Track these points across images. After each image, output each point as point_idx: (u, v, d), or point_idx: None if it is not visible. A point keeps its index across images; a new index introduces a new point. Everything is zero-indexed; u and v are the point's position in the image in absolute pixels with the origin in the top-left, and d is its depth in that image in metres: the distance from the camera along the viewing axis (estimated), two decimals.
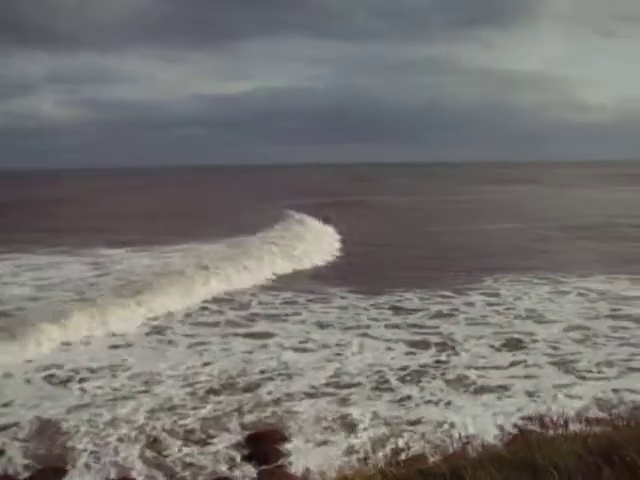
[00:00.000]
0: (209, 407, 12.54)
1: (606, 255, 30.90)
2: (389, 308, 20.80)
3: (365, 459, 9.33)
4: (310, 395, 13.14)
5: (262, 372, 14.65)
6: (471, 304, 21.09)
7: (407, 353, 15.96)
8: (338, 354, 15.90)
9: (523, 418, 11.08)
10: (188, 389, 13.56)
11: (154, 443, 10.86)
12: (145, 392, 13.42)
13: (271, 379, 14.17)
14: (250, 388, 13.58)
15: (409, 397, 12.87)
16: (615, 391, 12.79)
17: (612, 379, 13.60)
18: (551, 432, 6.73)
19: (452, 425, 11.32)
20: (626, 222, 43.97)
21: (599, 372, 14.08)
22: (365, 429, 11.32)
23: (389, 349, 16.32)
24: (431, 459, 7.57)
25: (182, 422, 11.79)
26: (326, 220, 44.57)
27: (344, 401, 12.73)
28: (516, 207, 61.25)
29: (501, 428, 10.62)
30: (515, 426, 10.12)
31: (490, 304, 20.97)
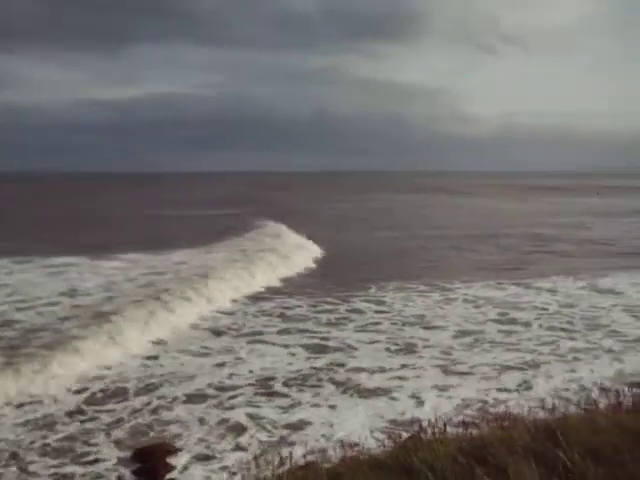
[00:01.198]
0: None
1: (489, 262, 32.30)
2: (278, 315, 20.77)
3: (250, 468, 9.17)
4: (197, 400, 12.95)
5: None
6: (359, 311, 21.35)
7: (299, 358, 15.98)
8: (226, 361, 15.73)
9: (404, 422, 11.29)
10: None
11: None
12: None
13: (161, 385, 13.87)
14: (139, 394, 13.22)
15: (299, 402, 12.87)
16: (501, 390, 13.31)
17: (492, 379, 14.13)
18: (430, 435, 6.88)
19: (334, 430, 11.39)
20: (509, 232, 46.19)
21: (483, 374, 14.56)
22: (252, 436, 11.19)
23: (281, 354, 16.31)
24: (313, 465, 7.52)
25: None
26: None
27: (229, 407, 12.59)
28: (398, 215, 63.34)
29: (382, 432, 10.74)
30: (395, 430, 10.26)
31: (378, 311, 21.30)
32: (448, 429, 7.10)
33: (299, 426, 11.68)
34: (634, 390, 7.35)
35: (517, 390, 13.44)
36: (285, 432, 11.42)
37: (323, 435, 11.19)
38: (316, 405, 12.80)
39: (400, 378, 14.35)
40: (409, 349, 16.82)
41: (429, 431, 7.01)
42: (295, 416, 12.13)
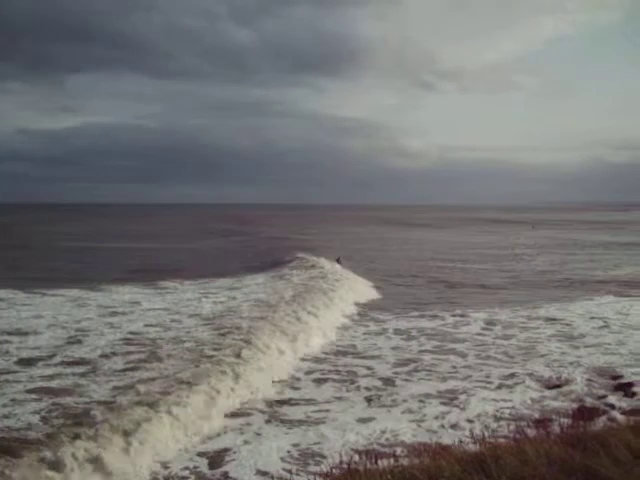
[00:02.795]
0: None
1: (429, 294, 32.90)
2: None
3: None
4: None
5: None
6: None
7: None
8: None
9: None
10: None
11: None
12: None
13: None
14: None
15: None
16: (431, 420, 13.36)
17: (422, 410, 14.23)
18: (361, 468, 6.85)
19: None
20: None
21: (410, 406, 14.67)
22: None
23: None
24: None
25: None
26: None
27: None
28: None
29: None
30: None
31: None
32: (379, 462, 7.09)
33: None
34: (562, 419, 7.51)
35: (448, 421, 13.55)
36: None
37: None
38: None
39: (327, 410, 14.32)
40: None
41: (360, 465, 6.98)
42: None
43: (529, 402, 14.85)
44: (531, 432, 7.28)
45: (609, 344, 21.04)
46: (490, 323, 24.80)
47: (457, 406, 14.60)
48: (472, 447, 7.21)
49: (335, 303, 28.51)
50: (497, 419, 13.26)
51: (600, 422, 7.68)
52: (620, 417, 8.69)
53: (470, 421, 13.29)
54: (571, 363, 18.53)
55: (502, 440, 7.10)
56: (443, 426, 13.18)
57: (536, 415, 12.28)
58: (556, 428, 7.20)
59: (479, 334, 22.88)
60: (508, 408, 14.32)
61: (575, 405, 14.05)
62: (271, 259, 49.72)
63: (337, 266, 43.75)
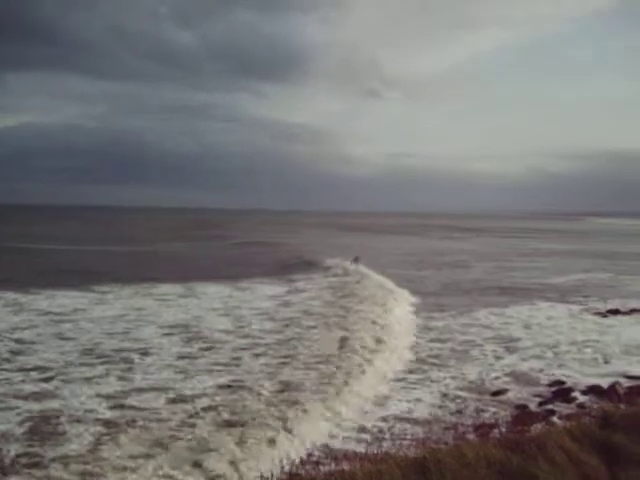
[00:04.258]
0: None
1: None
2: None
3: None
4: None
5: None
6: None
7: None
8: None
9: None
10: None
11: None
12: None
13: None
14: None
15: None
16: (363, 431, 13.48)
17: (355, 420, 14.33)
18: (303, 472, 6.89)
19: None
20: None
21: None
22: None
23: None
24: None
25: None
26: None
27: None
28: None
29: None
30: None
31: None
32: (321, 467, 7.12)
33: None
34: (501, 424, 7.70)
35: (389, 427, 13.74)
36: None
37: None
38: None
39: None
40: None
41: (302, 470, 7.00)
42: None
43: (470, 407, 15.21)
44: (472, 436, 7.44)
45: (544, 349, 21.82)
46: (426, 328, 25.57)
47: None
48: (414, 451, 7.33)
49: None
50: (437, 423, 13.52)
51: (539, 426, 7.89)
52: (558, 421, 8.96)
53: (412, 426, 13.49)
54: (508, 369, 19.07)
55: (443, 444, 7.26)
56: (382, 431, 13.39)
57: (477, 420, 12.52)
58: (496, 433, 7.37)
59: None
60: (449, 413, 14.66)
61: (515, 411, 14.38)
62: (286, 263, 51.83)
63: (358, 266, 46.26)
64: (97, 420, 13.61)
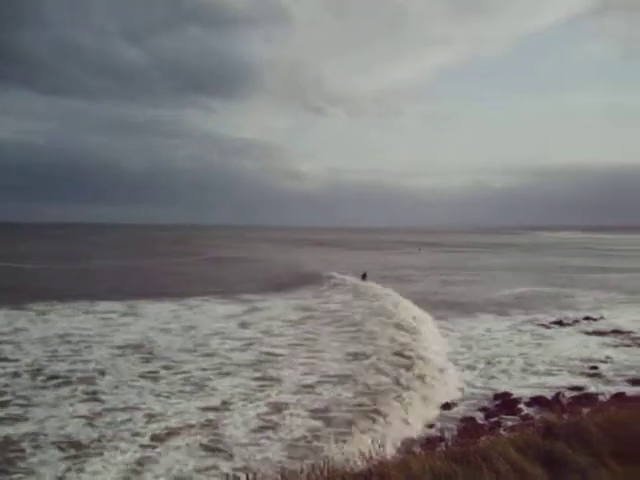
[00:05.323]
0: None
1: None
2: None
3: None
4: None
5: None
6: None
7: None
8: None
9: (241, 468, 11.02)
10: None
11: None
12: None
13: None
14: None
15: None
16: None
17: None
18: None
19: None
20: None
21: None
22: None
23: None
24: None
25: None
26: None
27: None
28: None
29: None
30: None
31: None
32: None
33: None
34: (448, 436, 7.79)
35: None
36: None
37: None
38: None
39: None
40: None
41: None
42: None
43: (416, 420, 15.35)
44: (418, 449, 7.51)
45: (479, 360, 22.36)
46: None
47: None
48: (360, 465, 7.33)
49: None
50: (385, 436, 13.58)
51: (484, 438, 8.02)
52: (504, 432, 9.13)
53: (360, 439, 13.52)
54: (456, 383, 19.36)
55: (390, 457, 7.31)
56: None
57: (424, 433, 12.65)
58: (443, 445, 7.45)
59: None
60: (397, 426, 14.74)
61: (462, 423, 14.56)
62: (291, 278, 52.51)
63: (368, 283, 47.97)
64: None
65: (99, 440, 13.61)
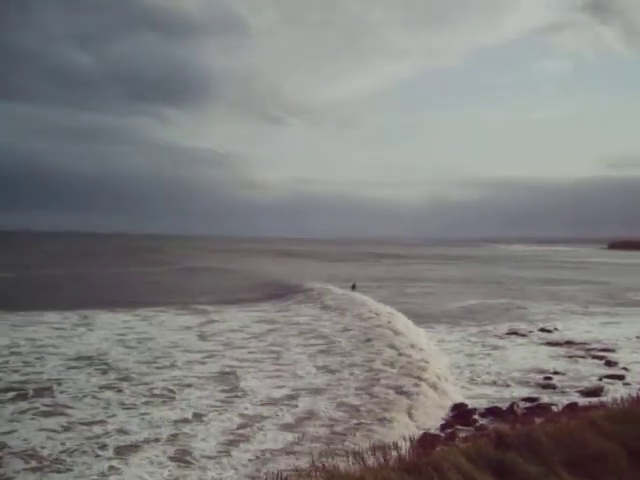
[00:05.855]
0: None
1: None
2: None
3: None
4: None
5: None
6: None
7: None
8: None
9: None
10: None
11: None
12: None
13: None
14: None
15: None
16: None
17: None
18: None
19: None
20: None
21: None
22: None
23: None
24: None
25: None
26: None
27: None
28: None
29: None
30: None
31: None
32: None
33: None
34: (401, 446, 7.82)
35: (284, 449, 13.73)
36: None
37: None
38: None
39: None
40: None
41: None
42: None
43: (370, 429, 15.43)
44: (371, 460, 7.52)
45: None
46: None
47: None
48: (313, 477, 7.31)
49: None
50: (338, 446, 13.62)
51: (438, 449, 8.10)
52: (457, 443, 9.22)
53: (310, 450, 13.51)
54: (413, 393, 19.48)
55: (342, 469, 7.31)
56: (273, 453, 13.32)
57: (378, 445, 12.63)
58: (396, 456, 7.49)
59: None
60: (348, 435, 14.81)
61: (418, 434, 14.62)
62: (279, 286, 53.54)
63: (355, 293, 48.31)
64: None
65: (68, 454, 13.37)
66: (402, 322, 32.03)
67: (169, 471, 12.71)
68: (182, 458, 13.42)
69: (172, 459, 13.33)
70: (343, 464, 7.13)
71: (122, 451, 13.68)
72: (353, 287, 53.04)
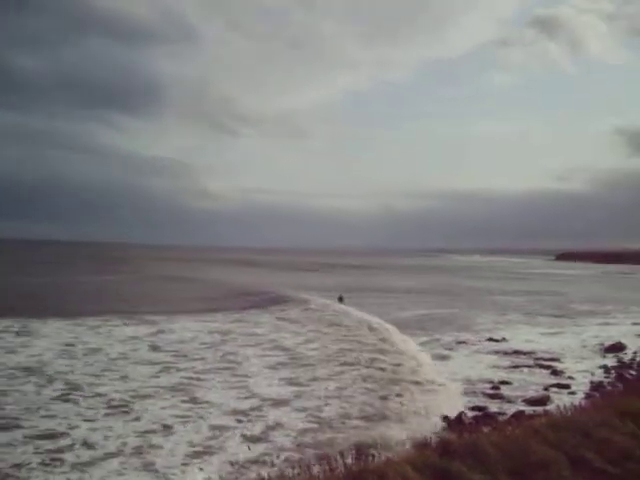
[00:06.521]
0: None
1: None
2: None
3: None
4: None
5: None
6: None
7: None
8: None
9: None
10: None
11: None
12: None
13: None
14: None
15: None
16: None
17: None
18: None
19: None
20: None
21: None
22: None
23: None
24: None
25: None
26: None
27: None
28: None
29: None
30: None
31: None
32: None
33: None
34: (346, 455, 7.85)
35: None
36: None
37: None
38: None
39: None
40: None
41: None
42: None
43: (314, 440, 15.46)
44: (316, 470, 7.52)
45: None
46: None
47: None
48: None
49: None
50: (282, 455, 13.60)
51: (383, 457, 8.13)
52: (401, 452, 9.29)
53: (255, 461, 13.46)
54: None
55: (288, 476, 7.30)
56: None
57: (322, 454, 12.66)
58: (341, 465, 7.49)
59: None
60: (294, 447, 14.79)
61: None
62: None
63: (342, 306, 49.15)
64: None
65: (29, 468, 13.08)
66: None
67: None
68: (151, 468, 13.29)
69: (138, 469, 13.18)
70: (289, 474, 7.13)
71: (90, 463, 13.54)
72: (340, 299, 52.82)
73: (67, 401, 18.57)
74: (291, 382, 22.16)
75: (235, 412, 17.99)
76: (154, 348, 28.54)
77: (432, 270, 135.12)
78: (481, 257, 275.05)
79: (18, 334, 31.03)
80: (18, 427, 15.93)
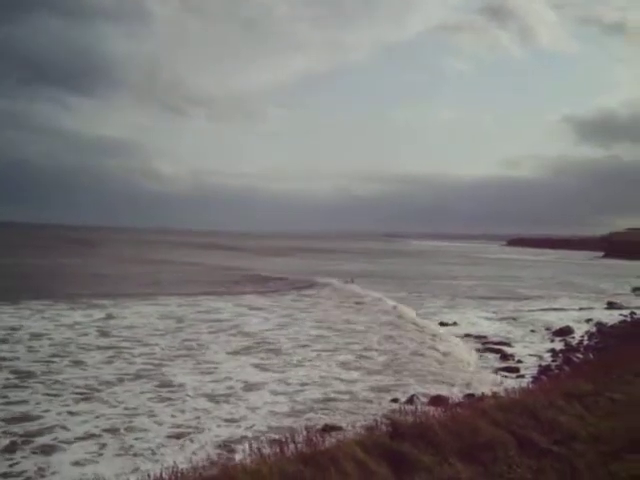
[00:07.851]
0: None
1: None
2: None
3: None
4: None
5: None
6: None
7: None
8: None
9: None
10: None
11: None
12: None
13: None
14: None
15: None
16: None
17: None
18: None
19: None
20: None
21: None
22: None
23: None
24: None
25: None
26: None
27: None
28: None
29: None
30: None
31: None
32: None
33: None
34: (297, 438, 7.89)
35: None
36: None
37: None
38: None
39: None
40: None
41: None
42: None
43: (267, 423, 15.58)
44: (268, 452, 7.54)
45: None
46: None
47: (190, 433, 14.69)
48: (209, 472, 7.27)
49: None
50: (235, 441, 13.65)
51: (333, 440, 8.20)
52: (349, 434, 9.37)
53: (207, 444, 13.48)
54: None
55: (238, 462, 7.29)
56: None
57: (274, 436, 12.73)
58: (292, 447, 7.54)
59: None
60: (246, 428, 14.92)
61: (315, 426, 14.76)
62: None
63: (353, 285, 53.68)
64: None
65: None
66: None
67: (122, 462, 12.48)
68: (128, 451, 13.15)
69: (117, 451, 13.09)
70: (239, 457, 7.13)
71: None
72: (351, 281, 56.71)
73: (25, 388, 18.02)
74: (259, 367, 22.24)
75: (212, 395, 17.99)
76: (105, 334, 28.22)
77: (394, 255, 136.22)
78: (442, 242, 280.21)
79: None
80: None
